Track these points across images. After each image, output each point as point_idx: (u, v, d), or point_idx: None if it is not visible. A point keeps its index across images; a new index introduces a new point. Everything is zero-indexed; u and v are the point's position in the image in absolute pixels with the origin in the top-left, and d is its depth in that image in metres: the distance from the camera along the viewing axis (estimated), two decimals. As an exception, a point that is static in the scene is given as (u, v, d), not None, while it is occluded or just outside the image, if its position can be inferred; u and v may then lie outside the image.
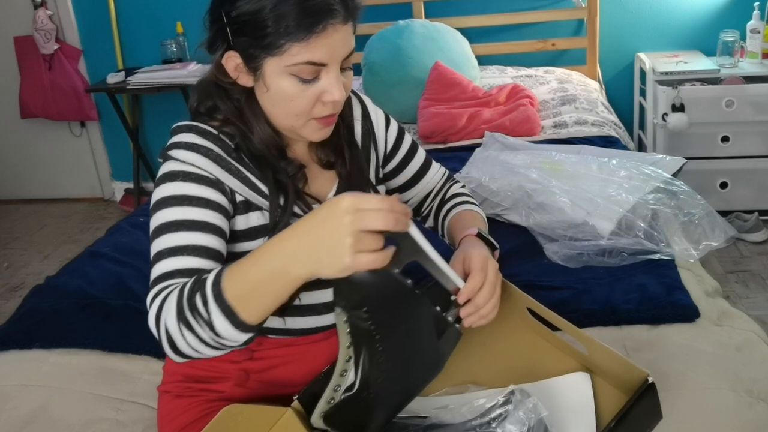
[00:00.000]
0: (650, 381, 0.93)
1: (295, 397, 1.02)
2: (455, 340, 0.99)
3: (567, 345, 1.08)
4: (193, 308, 0.85)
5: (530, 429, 0.90)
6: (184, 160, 1.02)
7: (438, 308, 0.97)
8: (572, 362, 1.07)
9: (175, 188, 1.00)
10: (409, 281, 0.88)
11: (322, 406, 0.95)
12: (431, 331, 0.94)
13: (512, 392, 0.95)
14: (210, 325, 0.84)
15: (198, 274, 0.90)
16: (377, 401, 0.93)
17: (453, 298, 0.98)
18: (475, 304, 0.98)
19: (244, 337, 0.86)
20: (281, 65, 0.98)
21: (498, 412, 0.93)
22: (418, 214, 1.36)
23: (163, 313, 0.89)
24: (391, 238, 0.84)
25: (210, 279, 0.86)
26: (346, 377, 0.95)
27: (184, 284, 0.89)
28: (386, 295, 0.87)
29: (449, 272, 0.95)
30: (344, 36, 0.98)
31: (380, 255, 0.79)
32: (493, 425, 0.92)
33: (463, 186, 1.36)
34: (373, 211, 0.78)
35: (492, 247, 1.13)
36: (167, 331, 0.88)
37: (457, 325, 0.98)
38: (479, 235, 1.13)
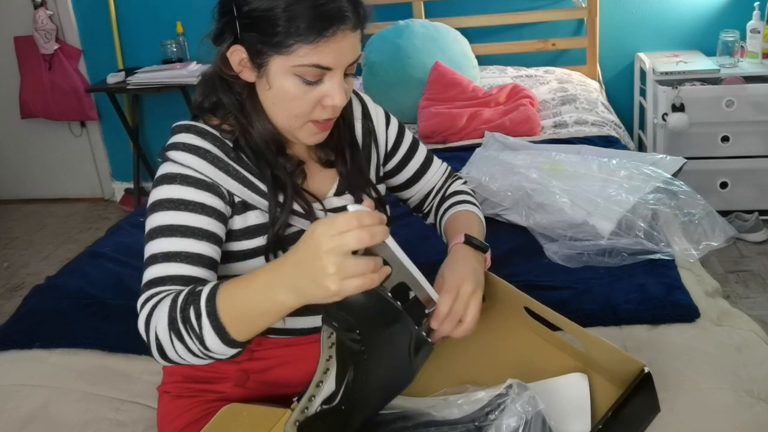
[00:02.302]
0: (646, 371, 0.94)
1: (295, 399, 1.02)
2: (428, 353, 0.98)
3: (565, 343, 1.08)
4: (186, 320, 0.87)
5: (528, 422, 0.90)
6: (182, 162, 1.02)
7: (416, 327, 0.96)
8: (570, 360, 1.07)
9: (171, 191, 1.01)
10: (398, 302, 0.88)
11: (296, 415, 0.95)
12: (411, 348, 0.93)
13: (510, 386, 0.95)
14: (200, 339, 0.87)
15: (192, 285, 0.92)
16: (353, 413, 0.94)
17: (427, 311, 0.97)
18: (446, 326, 0.98)
19: (232, 351, 0.89)
20: (287, 65, 0.98)
21: (496, 405, 0.93)
22: (419, 211, 1.36)
23: (153, 319, 0.91)
24: (370, 250, 0.84)
25: (205, 294, 0.87)
26: (322, 388, 0.95)
27: (177, 294, 0.90)
28: (377, 316, 0.86)
29: (425, 284, 0.94)
30: (352, 43, 0.99)
31: (368, 278, 0.78)
32: (491, 418, 0.92)
33: (465, 182, 1.35)
34: (345, 233, 0.77)
35: (483, 249, 1.13)
36: (157, 338, 0.90)
37: (429, 339, 0.97)
38: (467, 241, 1.12)
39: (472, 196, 1.31)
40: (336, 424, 0.94)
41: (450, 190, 1.32)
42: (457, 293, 1.00)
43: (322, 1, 0.95)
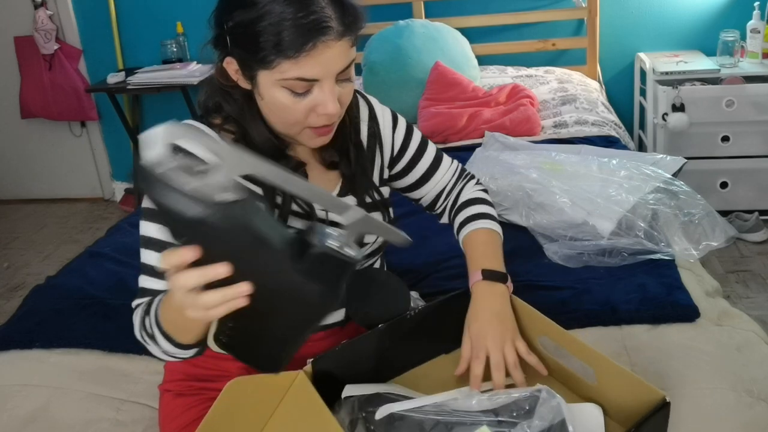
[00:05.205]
0: (667, 401, 0.94)
1: (309, 361, 1.03)
2: (342, 266, 0.81)
3: (577, 378, 1.07)
4: (144, 328, 1.00)
5: (552, 427, 0.90)
6: None
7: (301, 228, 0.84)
8: (580, 400, 1.07)
9: None
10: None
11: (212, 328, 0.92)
12: (287, 265, 0.79)
13: (539, 390, 0.95)
14: (157, 344, 0.98)
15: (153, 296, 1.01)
16: (252, 334, 0.87)
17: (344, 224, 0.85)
18: (497, 380, 1.07)
19: (189, 352, 0.98)
20: (273, 78, 0.98)
21: (523, 406, 0.94)
22: (432, 211, 1.36)
23: (135, 325, 1.04)
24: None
25: (154, 305, 0.97)
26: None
27: (147, 304, 1.02)
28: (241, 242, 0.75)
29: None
30: (338, 52, 0.97)
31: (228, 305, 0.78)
32: (515, 415, 0.93)
33: (478, 182, 1.35)
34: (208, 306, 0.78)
35: (503, 280, 1.16)
36: (139, 339, 1.03)
37: (329, 242, 0.80)
38: (486, 274, 1.15)
39: (487, 202, 1.30)
40: (247, 342, 0.89)
41: (463, 198, 1.30)
42: (487, 358, 1.07)
43: (302, 14, 0.93)
